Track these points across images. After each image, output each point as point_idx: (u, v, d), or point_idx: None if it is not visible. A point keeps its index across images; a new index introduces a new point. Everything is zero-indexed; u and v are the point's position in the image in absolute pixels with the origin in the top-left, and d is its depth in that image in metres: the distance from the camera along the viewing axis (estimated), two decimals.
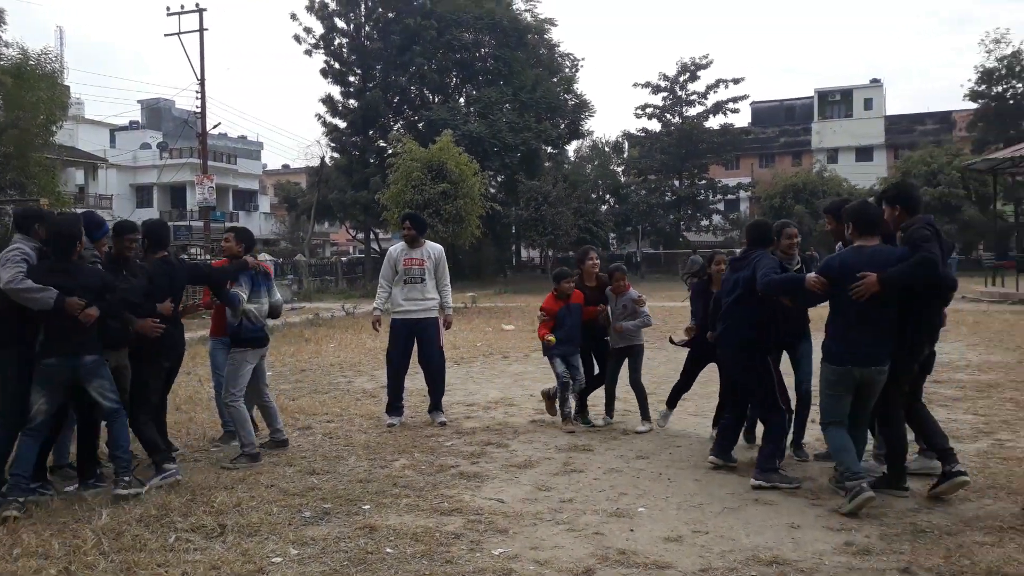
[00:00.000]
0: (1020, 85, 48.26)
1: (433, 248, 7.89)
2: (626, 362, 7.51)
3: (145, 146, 54.54)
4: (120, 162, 51.86)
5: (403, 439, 7.07)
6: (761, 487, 5.34)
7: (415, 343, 7.88)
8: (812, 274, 5.14)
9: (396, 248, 7.97)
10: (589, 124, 52.92)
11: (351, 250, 59.48)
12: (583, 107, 44.01)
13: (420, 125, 39.17)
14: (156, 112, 59.10)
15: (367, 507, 5.12)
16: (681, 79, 50.60)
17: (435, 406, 7.91)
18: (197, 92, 30.12)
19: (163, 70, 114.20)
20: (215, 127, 34.57)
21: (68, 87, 24.77)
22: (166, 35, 31.30)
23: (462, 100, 43.62)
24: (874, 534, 4.48)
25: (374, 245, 43.55)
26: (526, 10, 43.68)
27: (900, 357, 4.97)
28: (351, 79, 40.15)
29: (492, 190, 31.91)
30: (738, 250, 6.91)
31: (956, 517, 4.70)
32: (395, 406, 7.82)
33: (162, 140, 54.36)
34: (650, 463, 6.14)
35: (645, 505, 5.11)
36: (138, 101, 58.01)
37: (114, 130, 55.96)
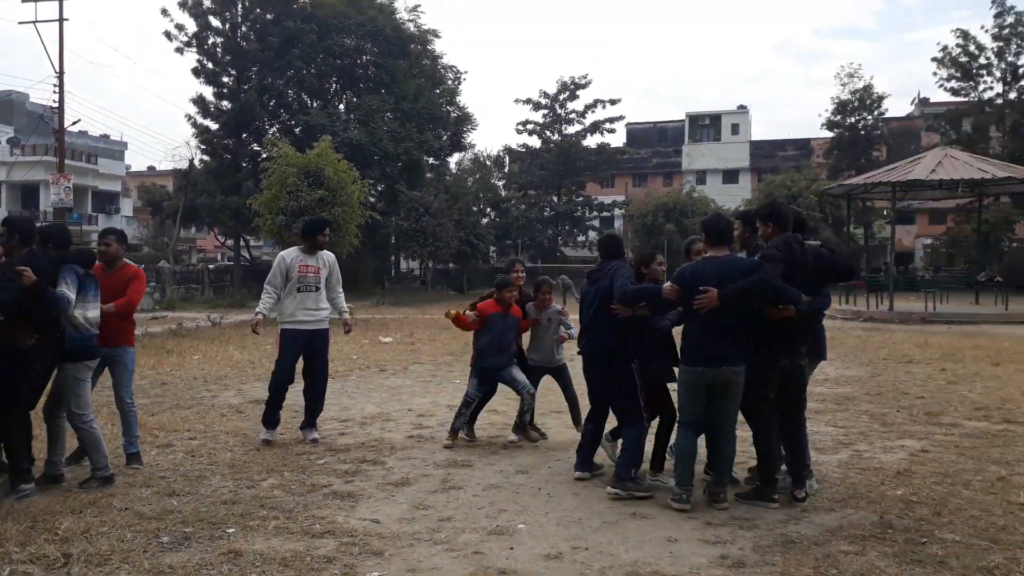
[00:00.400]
0: (870, 117, 52.01)
1: (328, 256, 7.54)
2: (555, 382, 7.44)
3: None
4: None
5: (272, 457, 6.73)
6: (618, 496, 5.45)
7: (301, 356, 7.49)
8: (668, 283, 5.36)
9: (290, 253, 7.44)
10: (471, 137, 53.00)
11: (219, 257, 57.14)
12: (465, 120, 44.10)
13: (297, 130, 38.10)
14: (7, 105, 54.91)
15: (232, 531, 4.79)
16: (561, 97, 51.60)
17: (309, 423, 7.57)
18: (55, 85, 28.18)
19: (18, 60, 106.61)
20: (74, 123, 32.47)
21: None
22: (20, 22, 29.14)
23: (342, 107, 42.78)
24: (747, 546, 4.56)
25: (245, 252, 41.95)
26: (409, 20, 43.40)
27: (757, 363, 5.18)
28: (225, 80, 38.58)
29: (372, 199, 31.30)
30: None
31: (822, 527, 4.86)
32: (274, 419, 7.42)
33: (13, 135, 50.57)
34: (530, 478, 6.08)
35: (525, 522, 5.02)
36: None
37: None
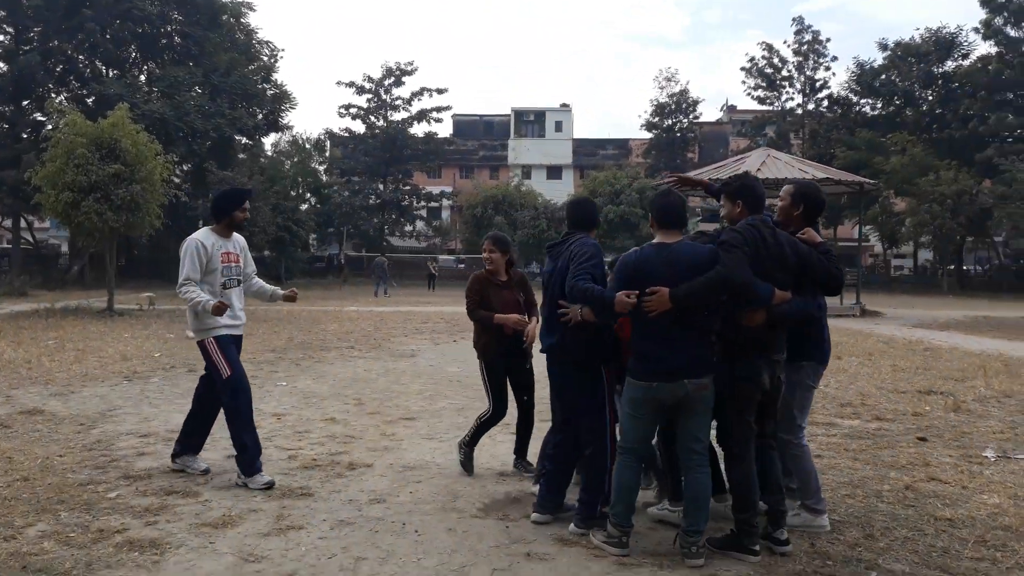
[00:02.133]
0: (685, 120, 54.44)
1: (240, 240, 5.78)
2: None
3: None
4: None
5: (45, 489, 5.13)
6: (583, 535, 4.40)
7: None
8: (621, 293, 4.07)
9: (206, 238, 5.54)
10: (289, 117, 50.10)
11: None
12: (283, 98, 41.48)
13: (90, 100, 34.14)
14: None
15: None
16: (386, 83, 49.95)
17: (198, 448, 5.86)
18: None
19: None
20: None
21: None
22: None
23: (142, 77, 38.92)
24: None
25: (27, 235, 37.16)
26: None
27: (731, 373, 4.11)
28: (0, 38, 33.86)
29: (176, 179, 28.31)
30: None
31: (749, 566, 4.08)
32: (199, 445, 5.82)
33: None
34: (389, 509, 4.91)
35: (394, 573, 3.89)
36: None
37: None
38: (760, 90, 49.40)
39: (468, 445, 5.74)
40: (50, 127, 22.24)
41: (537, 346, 4.99)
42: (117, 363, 11.08)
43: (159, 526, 4.50)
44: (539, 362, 5.11)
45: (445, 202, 53.43)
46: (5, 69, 33.28)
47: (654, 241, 4.19)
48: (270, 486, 5.25)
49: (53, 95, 34.36)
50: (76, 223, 18.62)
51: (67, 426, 7.12)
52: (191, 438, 5.73)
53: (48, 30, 34.31)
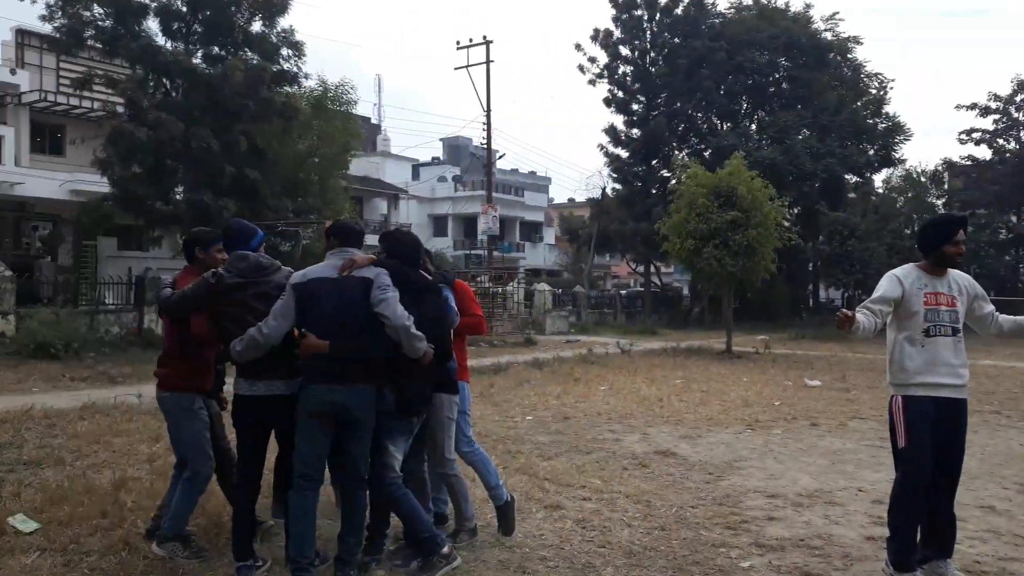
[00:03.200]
0: None
1: (964, 279, 4.64)
2: None
3: (442, 179, 57.76)
4: (420, 194, 55.26)
5: (680, 544, 5.12)
6: None
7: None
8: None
9: (908, 274, 4.56)
10: (903, 151, 46.83)
11: (632, 283, 58.19)
12: (896, 130, 38.93)
13: (706, 153, 36.81)
14: (455, 149, 62.78)
15: None
16: (1017, 99, 43.15)
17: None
18: (484, 123, 30.49)
19: (461, 106, 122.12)
20: (499, 156, 34.99)
21: (361, 118, 26.01)
22: (456, 68, 32.37)
23: (752, 126, 40.60)
24: None
25: (655, 279, 41.73)
26: (826, 29, 39.77)
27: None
28: (634, 107, 38.88)
29: (787, 222, 28.59)
30: None
31: None
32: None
33: (458, 174, 57.19)
34: None
35: None
36: (440, 139, 61.95)
37: (417, 165, 60.11)
38: None
39: None
40: (674, 181, 24.43)
41: None
42: (739, 409, 11.20)
43: None
44: None
45: None
46: (639, 134, 38.03)
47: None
48: None
49: (676, 152, 38.09)
50: (697, 269, 19.94)
51: (697, 473, 7.23)
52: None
53: (672, 94, 38.23)
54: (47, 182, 28.20)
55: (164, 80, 19.40)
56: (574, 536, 5.24)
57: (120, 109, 19.45)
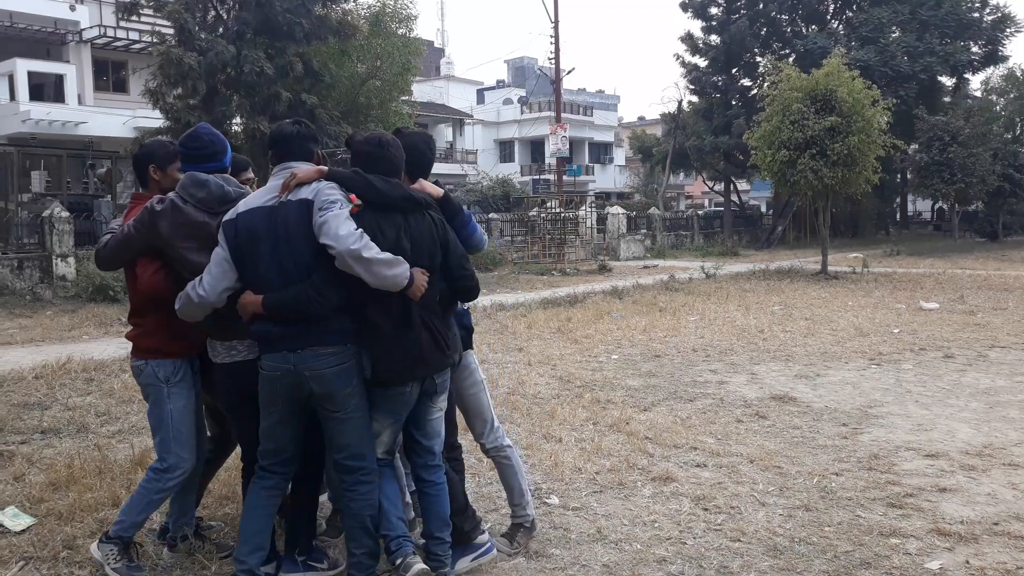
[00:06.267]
0: None
1: None
2: None
3: (507, 102, 55.90)
4: (485, 118, 53.63)
5: (835, 531, 3.94)
6: None
7: None
8: None
9: None
10: (1010, 46, 42.75)
11: (706, 203, 55.82)
12: (1004, 22, 35.21)
13: (791, 59, 34.14)
14: (520, 70, 60.72)
15: None
16: None
17: None
18: (551, 36, 28.66)
19: (525, 24, 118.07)
20: (568, 72, 33.10)
21: (424, 42, 24.52)
22: None
23: (841, 28, 37.42)
24: None
25: (734, 197, 39.55)
26: None
27: None
28: (713, 11, 36.17)
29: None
30: None
31: None
32: None
33: (524, 96, 55.22)
34: None
35: None
36: (504, 61, 59.87)
37: (481, 89, 58.29)
38: None
39: None
40: (766, 85, 22.31)
41: None
42: (855, 339, 9.81)
43: None
44: None
45: None
46: (718, 41, 35.45)
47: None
48: None
49: (758, 59, 35.44)
50: (791, 182, 18.17)
51: (828, 425, 5.99)
52: None
53: None
54: (111, 119, 27.80)
55: (212, 0, 18.32)
56: (695, 523, 4.11)
57: (170, 35, 18.51)
